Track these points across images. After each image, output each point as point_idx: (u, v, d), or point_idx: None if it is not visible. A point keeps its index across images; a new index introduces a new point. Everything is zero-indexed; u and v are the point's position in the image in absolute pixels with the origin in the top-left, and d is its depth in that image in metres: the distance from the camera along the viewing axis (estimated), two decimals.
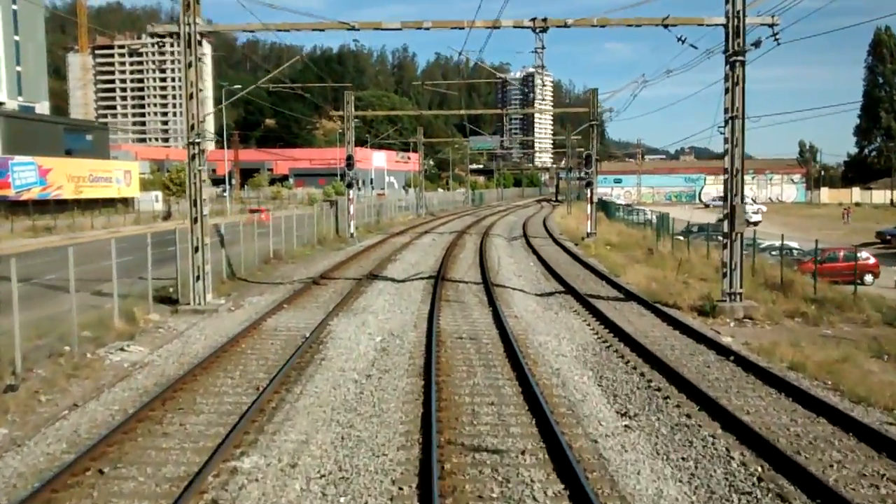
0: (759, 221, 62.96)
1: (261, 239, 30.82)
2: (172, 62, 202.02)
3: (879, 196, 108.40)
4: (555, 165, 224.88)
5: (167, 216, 66.09)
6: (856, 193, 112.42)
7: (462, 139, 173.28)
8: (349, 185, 42.20)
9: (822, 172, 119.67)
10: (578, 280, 26.18)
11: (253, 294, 23.10)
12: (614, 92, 67.21)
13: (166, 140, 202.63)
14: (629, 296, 22.51)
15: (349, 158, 41.80)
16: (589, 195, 42.34)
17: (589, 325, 18.37)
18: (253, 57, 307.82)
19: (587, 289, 23.86)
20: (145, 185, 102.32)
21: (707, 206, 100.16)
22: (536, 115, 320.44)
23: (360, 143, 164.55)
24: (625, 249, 36.81)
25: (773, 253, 32.83)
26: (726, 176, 20.13)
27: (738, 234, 20.20)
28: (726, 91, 19.57)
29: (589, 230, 42.17)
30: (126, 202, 79.93)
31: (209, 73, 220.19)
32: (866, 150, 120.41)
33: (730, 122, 19.54)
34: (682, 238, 39.33)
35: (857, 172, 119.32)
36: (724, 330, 18.33)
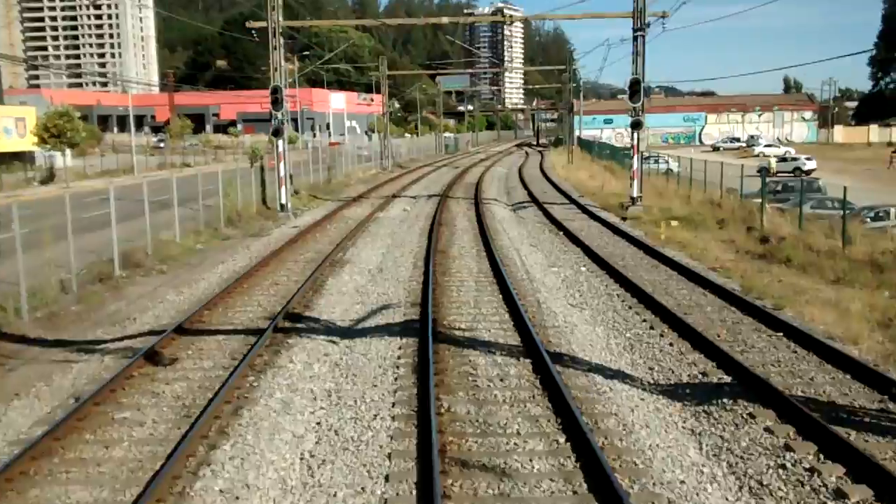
0: (814, 169, 50.29)
1: (124, 222, 17.42)
2: None
3: None
4: (529, 106, 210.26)
5: (48, 178, 51.07)
6: (874, 131, 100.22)
7: (430, 80, 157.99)
8: (275, 133, 28.18)
9: (839, 108, 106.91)
10: (750, 348, 12.52)
11: None
12: (584, 54, 53.40)
13: (105, 85, 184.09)
14: None
15: (275, 92, 27.74)
16: (634, 141, 28.95)
17: None
18: None
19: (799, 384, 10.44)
20: None
21: (716, 148, 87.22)
22: (507, 52, 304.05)
23: (316, 83, 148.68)
24: (709, 230, 23.60)
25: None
26: None
27: None
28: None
29: (633, 193, 28.84)
30: (20, 157, 64.60)
31: (151, 11, 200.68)
32: (883, 84, 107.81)
33: None
34: (780, 206, 26.40)
35: (874, 108, 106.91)
36: None
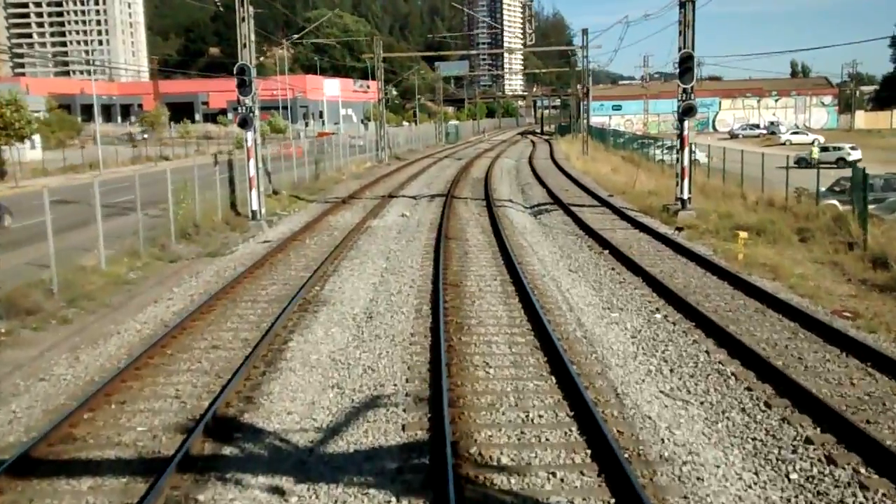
0: (860, 159, 45.07)
1: (63, 233, 12.63)
2: None
3: None
4: (531, 93, 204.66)
5: None
6: None
7: (428, 67, 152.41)
8: (243, 124, 22.71)
9: (857, 93, 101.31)
10: None
11: None
12: (602, 32, 48.31)
13: (90, 73, 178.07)
14: None
15: (241, 73, 22.38)
16: (683, 131, 23.75)
17: None
18: None
19: None
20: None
21: (735, 136, 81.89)
22: (506, 40, 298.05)
23: (311, 70, 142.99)
24: (792, 245, 18.42)
25: None
26: None
27: None
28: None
29: (682, 194, 23.65)
30: None
31: None
32: None
33: None
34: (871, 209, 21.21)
35: (894, 92, 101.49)
36: None
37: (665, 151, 49.60)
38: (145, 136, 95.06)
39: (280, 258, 18.04)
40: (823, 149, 47.14)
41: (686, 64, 22.65)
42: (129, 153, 60.83)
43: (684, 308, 12.51)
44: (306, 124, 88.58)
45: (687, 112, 22.87)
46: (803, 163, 45.28)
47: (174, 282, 15.81)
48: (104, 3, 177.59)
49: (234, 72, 22.79)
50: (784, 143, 65.76)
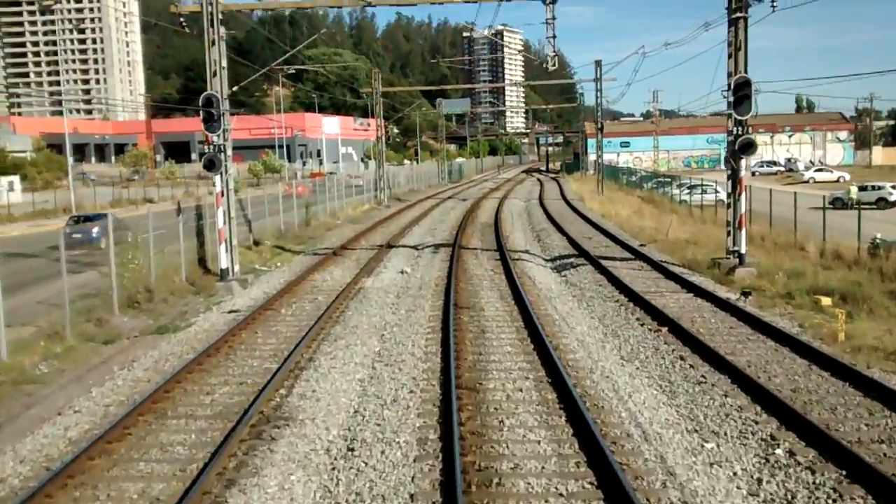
0: None
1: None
2: (92, 20, 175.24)
3: None
4: (532, 130, 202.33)
5: None
6: None
7: (427, 103, 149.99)
8: (208, 166, 18.70)
9: (874, 128, 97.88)
10: None
11: None
12: (617, 63, 45.26)
13: (89, 112, 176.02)
14: None
15: (209, 105, 18.59)
16: (738, 172, 19.77)
17: None
18: (200, 20, 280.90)
19: None
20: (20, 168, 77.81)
21: (752, 173, 78.30)
22: (507, 76, 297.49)
23: (310, 107, 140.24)
24: (892, 317, 14.49)
25: None
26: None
27: None
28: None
29: (738, 247, 19.70)
30: None
31: (137, 34, 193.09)
32: None
33: None
34: None
35: None
36: None
37: (687, 192, 45.98)
38: (135, 176, 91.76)
39: (244, 338, 14.07)
40: (861, 188, 43.31)
41: (742, 91, 18.87)
42: (109, 195, 56.98)
43: (814, 437, 8.51)
44: (304, 163, 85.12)
45: (745, 149, 18.99)
46: (839, 203, 41.42)
47: (96, 378, 11.85)
48: (101, 42, 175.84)
49: (200, 103, 19.04)
50: (808, 181, 62.07)
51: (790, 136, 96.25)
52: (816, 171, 66.54)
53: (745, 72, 19.80)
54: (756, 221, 29.90)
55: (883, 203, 42.04)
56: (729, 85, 20.12)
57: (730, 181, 20.68)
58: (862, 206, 42.28)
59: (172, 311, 16.68)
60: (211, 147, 19.18)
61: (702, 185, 45.43)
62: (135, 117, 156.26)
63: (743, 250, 19.23)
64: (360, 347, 13.12)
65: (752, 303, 16.02)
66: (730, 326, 14.00)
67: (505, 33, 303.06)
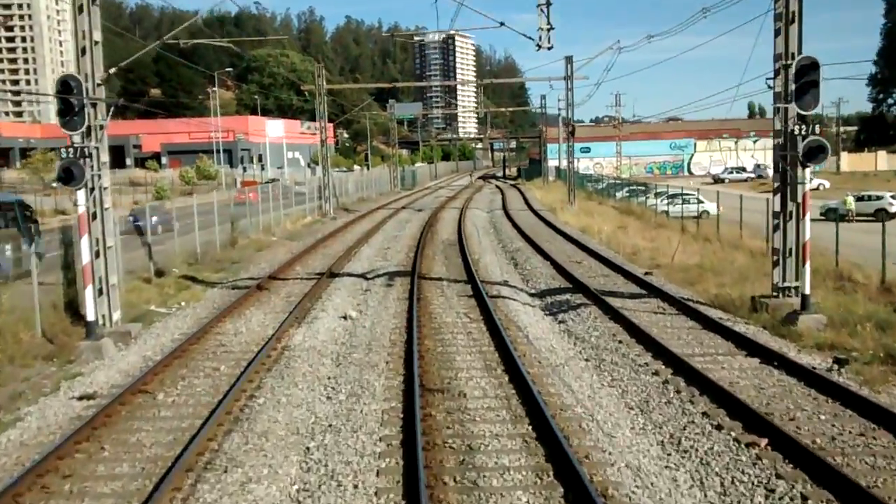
0: None
1: None
2: (21, 17, 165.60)
3: None
4: (486, 135, 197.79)
5: None
6: (882, 158, 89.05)
7: (379, 107, 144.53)
8: (66, 178, 12.56)
9: (842, 133, 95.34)
10: None
11: None
12: (589, 59, 40.63)
13: (19, 115, 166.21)
14: None
15: (66, 89, 12.96)
16: (804, 185, 14.72)
17: None
18: (144, 22, 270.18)
19: None
20: None
21: (720, 180, 74.57)
22: (459, 80, 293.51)
23: (255, 110, 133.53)
24: None
25: None
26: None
27: None
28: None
29: (789, 281, 14.81)
30: None
31: (71, 35, 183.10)
32: (885, 106, 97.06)
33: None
34: None
35: (876, 132, 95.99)
36: None
37: (666, 202, 41.43)
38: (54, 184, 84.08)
39: (78, 462, 8.55)
40: (858, 198, 39.27)
41: (807, 77, 13.80)
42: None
43: None
44: (244, 169, 78.80)
45: (813, 154, 13.82)
46: (833, 215, 37.33)
47: None
48: (32, 41, 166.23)
49: (56, 89, 13.38)
50: None
51: (755, 142, 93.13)
52: None
53: (800, 51, 14.92)
54: (755, 236, 25.39)
55: (883, 214, 37.86)
56: (777, 70, 15.21)
57: (777, 195, 15.69)
58: (859, 218, 38.56)
59: (0, 394, 11.08)
60: (71, 151, 13.52)
61: (682, 194, 41.00)
62: None
63: (807, 290, 14.23)
64: (265, 486, 7.74)
65: (851, 377, 11.03)
66: (858, 432, 8.92)
67: (457, 38, 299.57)
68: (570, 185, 43.32)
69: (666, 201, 41.35)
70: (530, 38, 18.33)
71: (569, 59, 42.06)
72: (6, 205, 21.82)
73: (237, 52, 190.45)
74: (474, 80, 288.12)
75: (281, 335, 14.11)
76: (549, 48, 17.02)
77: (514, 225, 34.68)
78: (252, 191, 40.15)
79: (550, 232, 31.70)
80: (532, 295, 18.23)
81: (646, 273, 20.26)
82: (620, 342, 13.21)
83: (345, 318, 15.67)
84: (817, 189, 58.80)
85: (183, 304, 17.86)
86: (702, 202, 39.87)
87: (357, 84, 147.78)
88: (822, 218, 35.34)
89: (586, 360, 12.35)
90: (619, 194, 50.81)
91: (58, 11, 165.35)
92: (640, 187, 48.48)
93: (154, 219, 25.93)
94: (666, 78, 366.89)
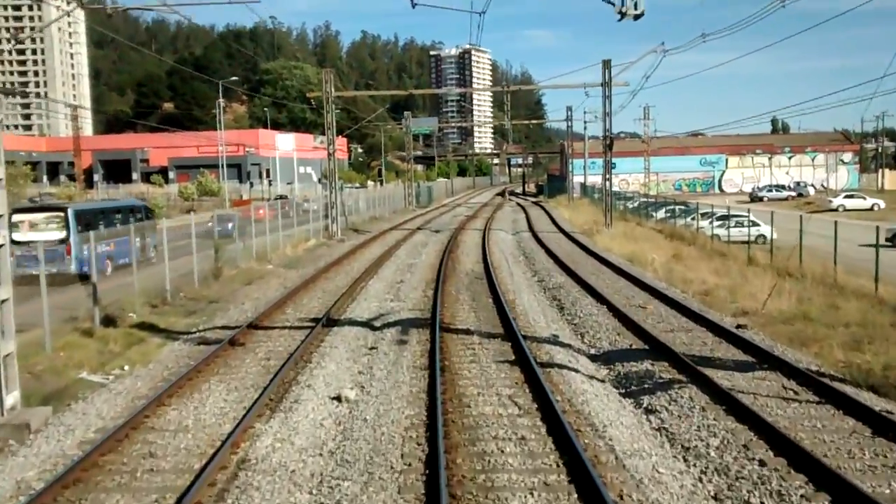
0: None
1: None
2: (32, 29, 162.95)
3: None
4: (503, 150, 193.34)
5: None
6: None
7: (393, 121, 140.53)
8: None
9: (880, 149, 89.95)
10: None
11: None
12: (630, 63, 35.98)
13: (28, 128, 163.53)
14: None
15: None
16: None
17: None
18: (159, 37, 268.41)
19: None
20: None
21: (758, 198, 69.53)
22: (475, 96, 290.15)
23: (268, 124, 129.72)
24: None
25: None
26: None
27: None
28: None
29: None
30: None
31: (84, 47, 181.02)
32: None
33: None
34: None
35: None
36: None
37: (717, 224, 36.64)
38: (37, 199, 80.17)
39: None
40: None
41: None
42: None
43: None
44: (251, 185, 74.57)
45: None
46: None
47: None
48: (42, 53, 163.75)
49: None
50: (836, 209, 53.32)
51: (790, 158, 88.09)
52: (846, 197, 57.82)
53: None
54: (849, 271, 20.69)
55: None
56: None
57: None
58: None
59: None
60: None
61: (735, 215, 36.32)
62: (81, 133, 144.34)
63: None
64: None
65: None
66: None
67: (473, 52, 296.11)
68: (608, 205, 38.56)
69: (716, 223, 36.59)
70: (611, 2, 13.77)
71: (607, 64, 37.50)
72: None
73: (254, 62, 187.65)
74: (490, 95, 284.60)
75: (241, 436, 9.49)
76: (638, 15, 12.56)
77: (548, 251, 29.98)
78: (261, 207, 35.97)
79: (593, 262, 26.95)
80: (595, 359, 13.54)
81: (738, 326, 15.52)
82: (762, 463, 8.47)
83: (338, 399, 11.05)
84: (872, 209, 53.86)
85: (126, 368, 13.29)
86: (757, 224, 35.11)
87: (368, 91, 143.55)
88: (889, 244, 30.56)
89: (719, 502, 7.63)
90: (656, 214, 46.07)
91: (69, 24, 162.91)
92: (680, 207, 43.71)
93: (106, 247, 21.67)
94: (685, 93, 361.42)
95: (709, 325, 15.53)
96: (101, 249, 20.57)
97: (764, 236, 34.10)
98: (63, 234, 22.35)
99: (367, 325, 16.33)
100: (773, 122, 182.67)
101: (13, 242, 16.81)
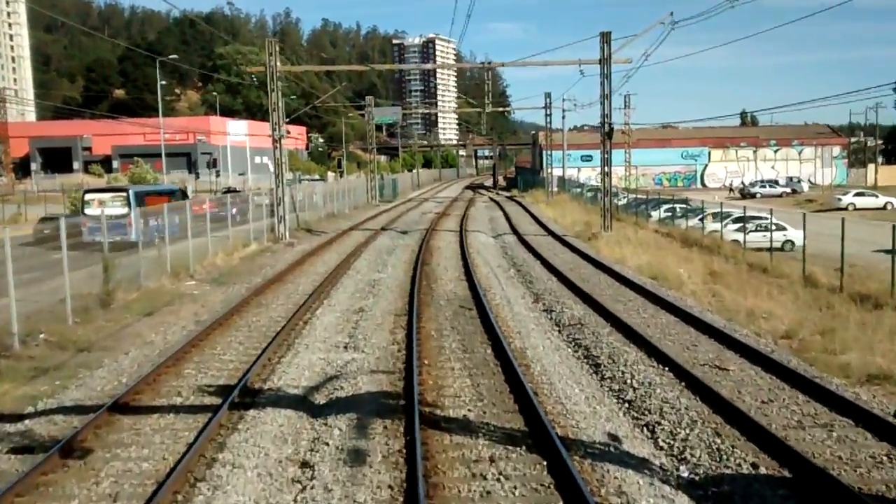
0: None
1: None
2: None
3: None
4: (469, 141, 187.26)
5: None
6: None
7: (355, 109, 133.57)
8: None
9: (869, 144, 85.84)
10: None
11: None
12: (633, 36, 30.39)
13: None
14: None
15: None
16: None
17: None
18: (113, 21, 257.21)
19: None
20: None
21: (750, 194, 64.53)
22: (440, 85, 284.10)
23: (223, 113, 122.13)
24: None
25: None
26: None
27: None
28: None
29: None
30: None
31: (24, 28, 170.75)
32: None
33: None
34: None
35: None
36: None
37: (736, 228, 31.21)
38: None
39: None
40: None
41: None
42: None
43: None
44: (196, 176, 67.55)
45: None
46: None
47: None
48: None
49: None
50: (846, 208, 48.35)
51: (776, 151, 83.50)
52: (856, 195, 52.90)
53: None
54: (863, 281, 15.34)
55: None
56: None
57: None
58: None
59: None
60: None
61: (754, 217, 31.04)
62: (21, 118, 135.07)
63: None
64: None
65: None
66: None
67: (437, 42, 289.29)
68: (607, 206, 32.60)
69: (734, 226, 31.17)
70: None
71: (605, 37, 31.54)
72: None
73: (209, 48, 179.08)
74: (456, 83, 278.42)
75: None
76: None
77: (544, 262, 24.06)
78: (198, 205, 29.65)
79: (605, 278, 21.04)
80: (684, 490, 7.64)
81: (819, 379, 9.84)
82: None
83: None
84: (884, 208, 49.09)
85: None
86: (784, 229, 29.77)
87: (322, 66, 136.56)
88: None
89: None
90: (654, 214, 40.58)
91: (7, 3, 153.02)
92: (682, 205, 38.23)
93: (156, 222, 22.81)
94: (655, 85, 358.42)
95: (852, 414, 9.73)
96: (152, 223, 22.91)
97: (792, 242, 28.88)
98: (125, 210, 26.35)
99: (304, 407, 10.27)
100: (742, 115, 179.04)
101: (86, 216, 25.94)
